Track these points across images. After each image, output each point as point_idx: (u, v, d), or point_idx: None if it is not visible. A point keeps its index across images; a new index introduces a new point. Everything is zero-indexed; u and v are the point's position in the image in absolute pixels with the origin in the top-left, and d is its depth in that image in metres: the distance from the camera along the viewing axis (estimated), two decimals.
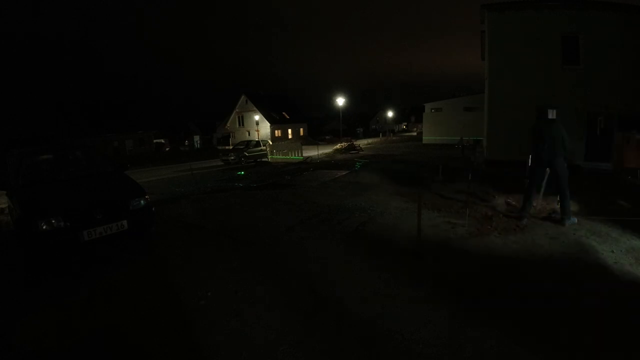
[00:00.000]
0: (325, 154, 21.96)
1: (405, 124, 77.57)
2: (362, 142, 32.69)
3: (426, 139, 31.85)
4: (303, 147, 21.59)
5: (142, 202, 4.08)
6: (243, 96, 40.62)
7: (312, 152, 20.63)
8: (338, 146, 26.10)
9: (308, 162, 16.36)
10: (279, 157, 20.35)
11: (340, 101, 30.47)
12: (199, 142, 50.56)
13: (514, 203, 5.84)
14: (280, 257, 3.82)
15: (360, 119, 62.92)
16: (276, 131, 40.09)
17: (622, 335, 2.34)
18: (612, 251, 3.81)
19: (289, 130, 42.51)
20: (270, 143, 23.29)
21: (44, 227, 3.33)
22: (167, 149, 43.72)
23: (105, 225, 3.64)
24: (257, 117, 38.70)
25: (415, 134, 55.84)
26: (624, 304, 2.75)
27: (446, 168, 10.14)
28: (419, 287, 3.03)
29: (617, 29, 10.91)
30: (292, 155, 20.31)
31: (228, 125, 43.03)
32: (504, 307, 2.71)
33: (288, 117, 42.80)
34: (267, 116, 39.50)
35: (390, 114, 63.23)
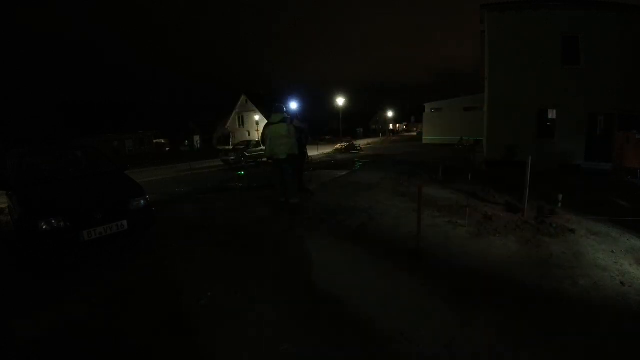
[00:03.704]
0: (326, 154, 21.96)
1: (406, 123, 77.56)
2: (362, 142, 32.70)
3: (426, 139, 31.86)
4: None
5: (142, 202, 4.08)
6: (243, 96, 40.58)
7: (312, 152, 20.59)
8: (338, 146, 26.09)
9: (308, 162, 16.32)
10: None
11: (340, 101, 30.44)
12: (199, 142, 50.52)
13: (514, 203, 5.84)
14: (280, 257, 3.82)
15: (360, 119, 62.88)
16: None
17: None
18: (612, 251, 3.81)
19: None
20: None
21: (44, 227, 3.33)
22: (167, 149, 43.67)
23: (105, 225, 3.64)
24: (257, 117, 38.67)
25: (415, 134, 55.87)
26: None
27: (446, 168, 10.14)
28: (419, 287, 3.03)
29: (617, 29, 10.92)
30: None
31: (228, 125, 42.99)
32: (504, 308, 2.71)
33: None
34: (267, 116, 39.48)
35: (390, 113, 63.22)
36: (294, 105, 8.01)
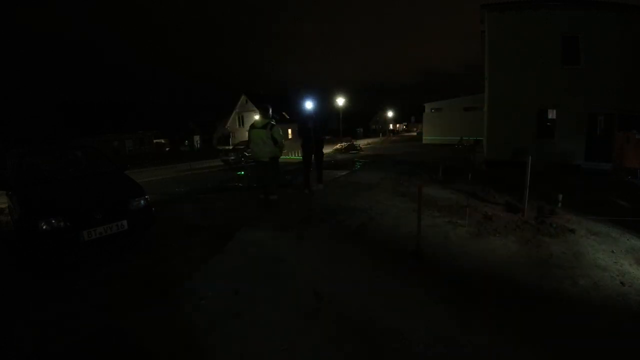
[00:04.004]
0: (326, 154, 21.92)
1: (406, 123, 77.61)
2: (362, 142, 32.72)
3: (426, 139, 31.89)
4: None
5: (142, 202, 4.08)
6: (243, 96, 40.58)
7: None
8: (338, 146, 26.11)
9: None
10: None
11: (340, 101, 30.49)
12: (199, 142, 50.56)
13: (514, 203, 5.84)
14: (280, 256, 3.81)
15: (360, 119, 62.90)
16: None
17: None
18: (612, 251, 3.81)
19: (289, 130, 42.50)
20: None
21: (44, 227, 3.33)
22: (167, 149, 43.70)
23: (105, 225, 3.64)
24: (257, 117, 38.68)
25: (415, 134, 55.88)
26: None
27: (446, 168, 10.14)
28: (419, 288, 3.03)
29: (617, 29, 10.91)
30: (292, 155, 20.31)
31: (228, 125, 42.98)
32: (504, 308, 2.71)
33: (288, 117, 42.78)
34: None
35: (390, 113, 63.25)
36: (309, 104, 8.32)
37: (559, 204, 5.70)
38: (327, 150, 24.99)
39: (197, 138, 51.11)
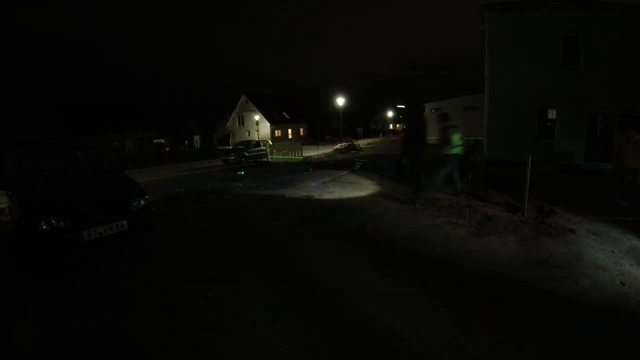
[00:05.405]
0: (325, 153, 21.94)
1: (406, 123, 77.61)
2: (362, 142, 32.73)
3: (426, 139, 31.87)
4: (303, 147, 21.58)
5: (142, 202, 4.08)
6: (243, 96, 40.62)
7: (312, 152, 20.62)
8: (338, 146, 26.08)
9: (308, 162, 16.34)
10: (279, 157, 20.32)
11: (340, 101, 30.51)
12: (199, 142, 50.67)
13: (514, 203, 5.83)
14: (280, 257, 3.82)
15: (360, 119, 62.92)
16: (276, 131, 40.08)
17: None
18: (612, 251, 3.80)
19: (289, 130, 42.52)
20: (270, 143, 23.30)
21: (44, 227, 3.33)
22: (167, 149, 43.78)
23: (105, 225, 3.64)
24: (257, 117, 38.72)
25: None
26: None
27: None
28: (419, 288, 3.03)
29: (617, 29, 10.91)
30: (292, 155, 20.30)
31: (228, 125, 43.02)
32: (504, 308, 2.71)
33: (288, 117, 42.80)
34: (267, 116, 39.51)
35: (390, 113, 63.28)
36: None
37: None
38: (327, 150, 25.09)
39: (197, 138, 51.19)
